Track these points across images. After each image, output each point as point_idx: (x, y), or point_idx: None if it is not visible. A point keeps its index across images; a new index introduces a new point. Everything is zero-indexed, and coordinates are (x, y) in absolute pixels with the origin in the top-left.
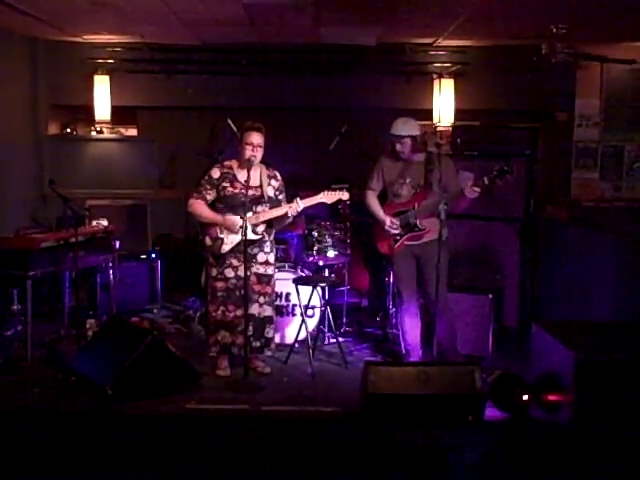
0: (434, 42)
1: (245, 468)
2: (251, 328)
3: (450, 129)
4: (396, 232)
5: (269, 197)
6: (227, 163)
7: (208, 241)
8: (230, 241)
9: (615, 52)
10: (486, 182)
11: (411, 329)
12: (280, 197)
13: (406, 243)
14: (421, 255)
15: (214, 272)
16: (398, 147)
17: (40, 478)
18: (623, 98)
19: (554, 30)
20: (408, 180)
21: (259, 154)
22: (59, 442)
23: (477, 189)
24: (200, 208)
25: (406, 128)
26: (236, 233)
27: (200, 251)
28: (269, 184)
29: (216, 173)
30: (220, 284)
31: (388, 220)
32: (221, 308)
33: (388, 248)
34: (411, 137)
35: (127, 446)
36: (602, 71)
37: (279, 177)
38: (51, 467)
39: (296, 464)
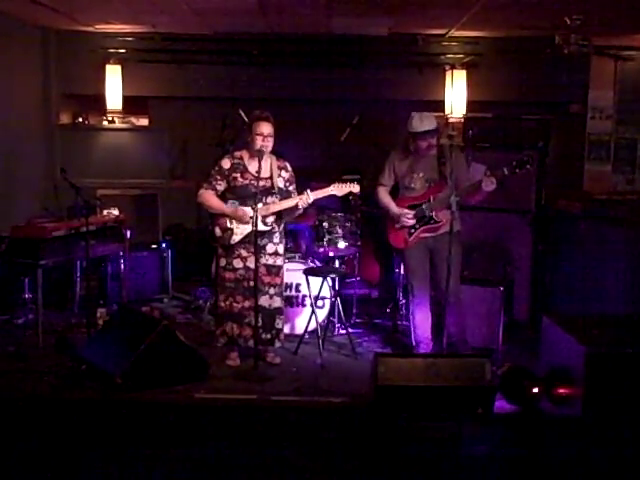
0: (446, 33)
1: (254, 457)
2: (260, 320)
3: (462, 121)
4: (411, 223)
5: (279, 188)
6: (237, 153)
7: (218, 232)
8: (240, 232)
9: (630, 43)
10: (506, 172)
11: (421, 322)
12: (290, 188)
13: (421, 236)
14: (435, 248)
15: (223, 262)
16: (421, 144)
17: (50, 465)
18: (637, 91)
19: (568, 21)
20: (421, 174)
21: (270, 144)
22: (69, 430)
23: (494, 180)
24: (210, 199)
25: (427, 123)
26: (246, 223)
27: (210, 241)
28: (279, 175)
29: (227, 164)
30: (228, 275)
31: (402, 211)
32: (229, 299)
33: (402, 241)
34: (434, 131)
35: (135, 435)
36: (616, 63)
37: (289, 168)
38: (61, 455)
39: (304, 454)
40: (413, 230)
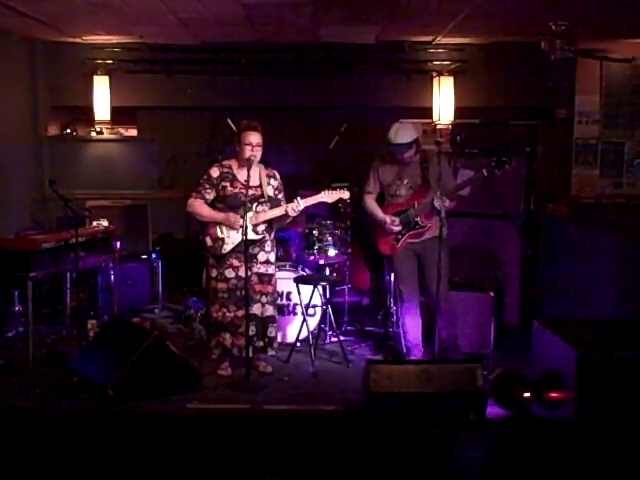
0: (433, 40)
1: (247, 467)
2: (253, 328)
3: (450, 127)
4: (397, 229)
5: (269, 196)
6: (226, 163)
7: (209, 241)
8: (231, 241)
9: (615, 48)
10: (485, 174)
11: (412, 328)
12: (279, 196)
13: (408, 241)
14: (422, 253)
15: (214, 273)
16: (404, 155)
17: (41, 479)
18: (623, 95)
19: (553, 27)
20: (405, 181)
21: (259, 153)
22: (60, 443)
23: (446, 200)
24: (200, 207)
25: (407, 135)
26: (237, 230)
27: (201, 251)
28: (269, 183)
29: (215, 172)
30: (221, 285)
31: (388, 218)
32: (222, 309)
33: (390, 248)
34: (411, 144)
35: (128, 446)
36: (602, 68)
37: (278, 176)
38: (53, 468)
39: (298, 463)
40: (400, 236)
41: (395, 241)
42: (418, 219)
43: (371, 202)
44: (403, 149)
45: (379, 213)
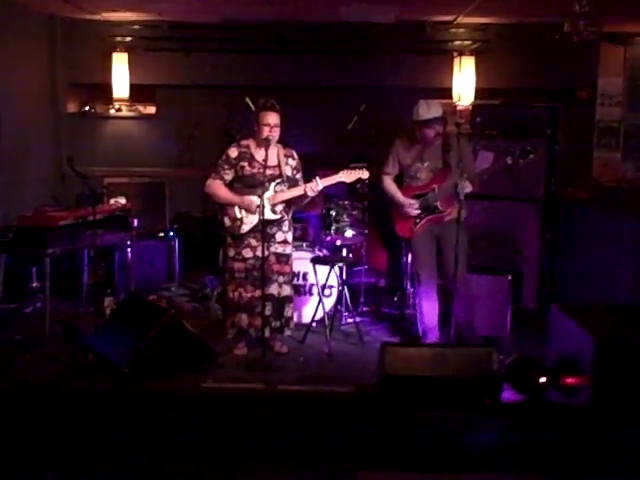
0: (454, 20)
1: (260, 447)
2: (270, 308)
3: (470, 108)
4: (416, 213)
5: (287, 176)
6: (244, 142)
7: (227, 221)
8: (250, 221)
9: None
10: (509, 162)
11: (429, 311)
12: (297, 176)
13: (427, 225)
14: (441, 235)
15: (232, 253)
16: (428, 132)
17: (57, 455)
18: None
19: (577, 7)
20: (426, 164)
21: (277, 134)
22: (75, 419)
23: (469, 186)
24: (218, 189)
25: (434, 110)
26: (254, 213)
27: (219, 231)
28: (287, 163)
29: (234, 153)
30: (238, 265)
31: (407, 201)
32: (239, 289)
33: (408, 231)
34: (441, 119)
35: (143, 424)
36: (625, 50)
37: (296, 156)
38: (68, 444)
39: (311, 443)
40: (418, 220)
41: (413, 224)
42: (438, 204)
43: (390, 183)
44: (436, 123)
45: (398, 195)
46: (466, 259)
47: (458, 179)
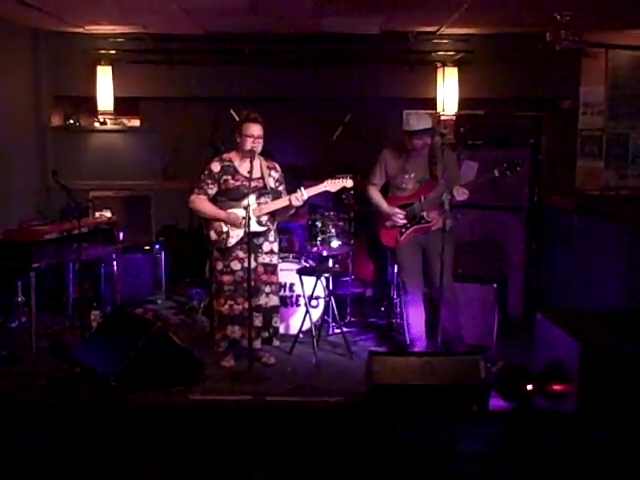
0: (437, 30)
1: (249, 459)
2: (260, 319)
3: (454, 118)
4: (402, 223)
5: (271, 188)
6: (227, 156)
7: (213, 235)
8: (236, 234)
9: (620, 40)
10: (497, 174)
11: (415, 320)
12: (280, 188)
13: (412, 235)
14: (426, 244)
15: (220, 266)
16: (418, 142)
17: (44, 470)
18: (628, 85)
19: (558, 17)
20: (413, 174)
21: (260, 145)
22: (63, 434)
23: (466, 191)
24: (202, 204)
25: (423, 122)
26: (240, 228)
27: (205, 244)
28: (270, 175)
29: (217, 167)
30: (227, 277)
31: (393, 211)
32: (229, 302)
33: (393, 240)
34: (430, 130)
35: (131, 437)
36: (607, 58)
37: (279, 168)
38: (55, 459)
39: (300, 455)
40: (404, 229)
41: (399, 234)
42: (424, 214)
43: (376, 193)
44: (425, 134)
45: (384, 205)
46: (452, 268)
47: (444, 189)
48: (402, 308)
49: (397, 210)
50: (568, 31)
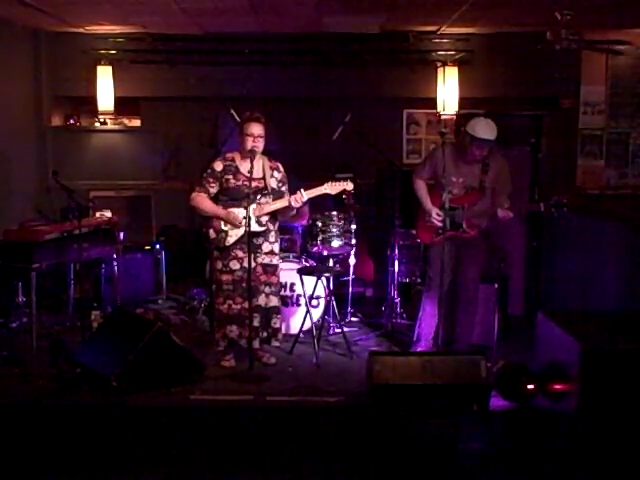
0: (438, 30)
1: (250, 458)
2: (259, 319)
3: (454, 117)
4: (440, 225)
5: (272, 188)
6: (229, 155)
7: (212, 234)
8: (235, 233)
9: (621, 38)
10: (542, 209)
11: (428, 317)
12: (283, 189)
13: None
14: (462, 246)
15: (219, 265)
16: (477, 151)
17: (44, 470)
18: (629, 85)
19: (558, 17)
20: (461, 180)
21: (261, 144)
22: (64, 434)
23: (511, 214)
24: (203, 202)
25: (490, 132)
26: (239, 227)
27: (204, 243)
28: (272, 175)
29: (219, 166)
30: (226, 277)
31: (434, 212)
32: (227, 302)
33: (429, 238)
34: (493, 142)
35: (131, 438)
36: (607, 58)
37: (281, 169)
38: (55, 459)
39: (301, 454)
40: (441, 231)
41: (435, 234)
42: (463, 223)
43: (423, 187)
44: (487, 145)
45: (428, 203)
46: (481, 272)
47: (489, 203)
48: (421, 302)
49: (439, 212)
50: (568, 30)
